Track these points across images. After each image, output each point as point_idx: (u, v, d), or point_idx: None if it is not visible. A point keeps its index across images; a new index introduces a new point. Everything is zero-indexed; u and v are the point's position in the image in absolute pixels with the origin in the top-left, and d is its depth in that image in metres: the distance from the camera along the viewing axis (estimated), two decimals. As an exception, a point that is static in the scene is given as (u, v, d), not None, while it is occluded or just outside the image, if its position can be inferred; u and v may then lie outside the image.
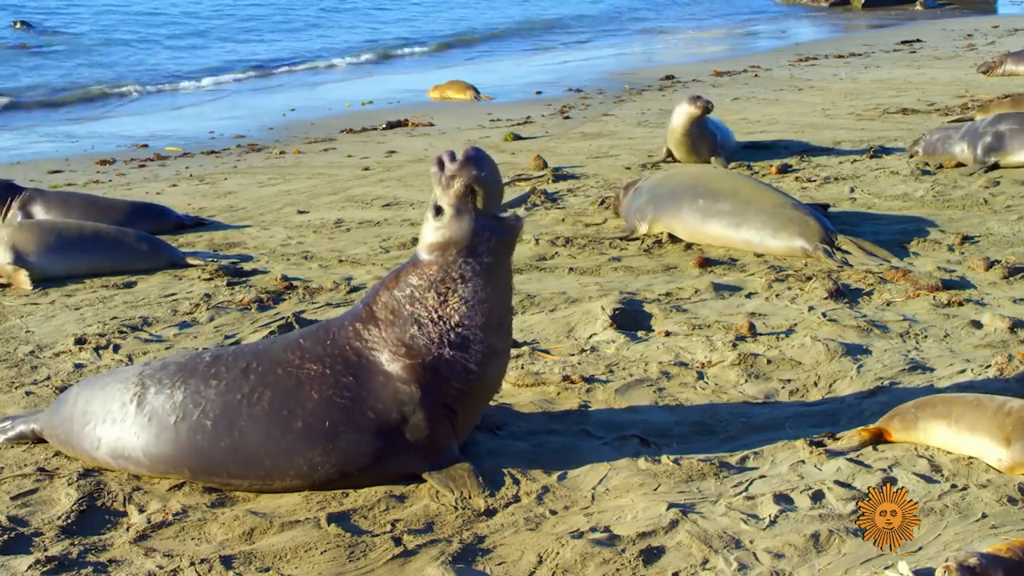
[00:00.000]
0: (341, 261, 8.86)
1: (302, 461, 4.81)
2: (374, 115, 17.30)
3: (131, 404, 4.99)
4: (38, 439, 5.44)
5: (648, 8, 37.04)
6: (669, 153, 12.14)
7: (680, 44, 28.63)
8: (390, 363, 4.82)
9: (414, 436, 4.83)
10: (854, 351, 6.32)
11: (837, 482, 4.74)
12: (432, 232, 4.81)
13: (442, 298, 4.80)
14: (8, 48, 24.85)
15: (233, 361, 4.96)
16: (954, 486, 4.68)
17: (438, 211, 4.79)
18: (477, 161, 4.74)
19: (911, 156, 11.55)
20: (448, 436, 4.92)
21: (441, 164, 4.76)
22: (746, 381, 6.02)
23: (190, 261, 8.86)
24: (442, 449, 4.90)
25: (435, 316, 4.80)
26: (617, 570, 4.16)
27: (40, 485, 5.03)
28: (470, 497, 4.76)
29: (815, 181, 10.87)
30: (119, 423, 5.00)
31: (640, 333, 6.79)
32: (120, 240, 8.90)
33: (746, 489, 4.75)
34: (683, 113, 11.82)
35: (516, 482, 4.90)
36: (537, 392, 5.88)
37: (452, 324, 4.80)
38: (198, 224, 10.21)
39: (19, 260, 8.54)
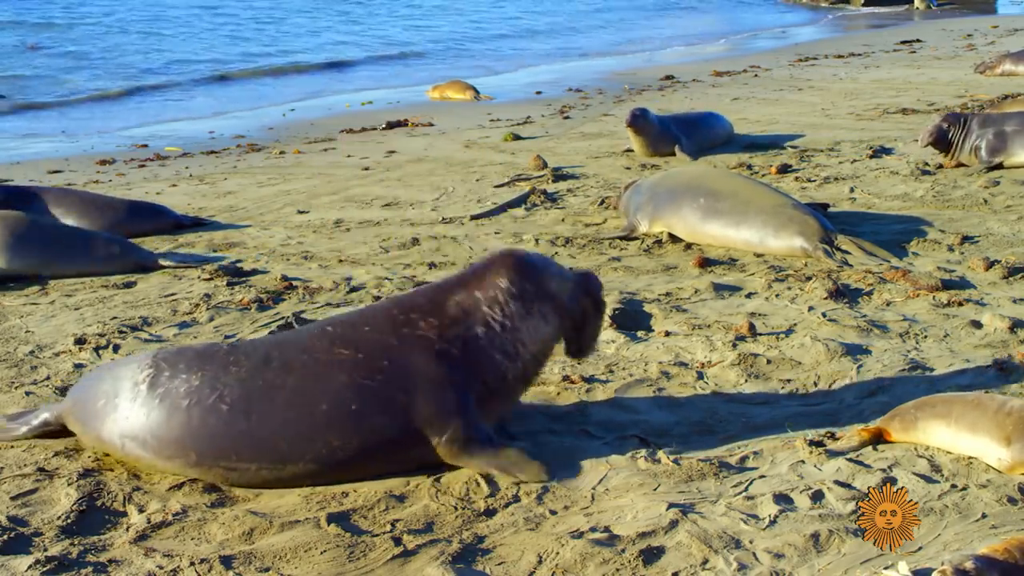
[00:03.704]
0: (341, 261, 8.86)
1: (321, 444, 4.84)
2: (374, 115, 17.29)
3: (143, 385, 5.00)
4: (60, 428, 5.41)
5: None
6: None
7: (676, 40, 28.62)
8: (435, 352, 4.93)
9: (441, 424, 4.88)
10: (854, 351, 6.32)
11: (837, 482, 4.74)
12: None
13: (523, 315, 5.06)
14: (18, 50, 24.83)
15: (253, 351, 5.05)
16: (954, 486, 4.68)
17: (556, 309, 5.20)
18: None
19: (925, 145, 11.28)
20: (476, 425, 4.96)
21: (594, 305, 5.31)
22: (746, 381, 6.02)
23: (162, 263, 8.81)
24: (473, 440, 4.92)
25: (507, 324, 5.01)
26: (617, 570, 4.16)
27: (40, 485, 5.03)
28: (532, 478, 4.83)
29: (815, 181, 10.88)
30: (130, 402, 5.01)
31: (640, 333, 6.79)
32: (86, 242, 8.77)
33: (746, 489, 4.75)
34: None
35: (516, 482, 4.90)
36: (537, 392, 5.88)
37: (516, 336, 5.02)
38: (197, 224, 10.20)
39: None
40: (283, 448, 4.85)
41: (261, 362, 4.95)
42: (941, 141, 11.16)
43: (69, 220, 9.54)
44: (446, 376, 4.92)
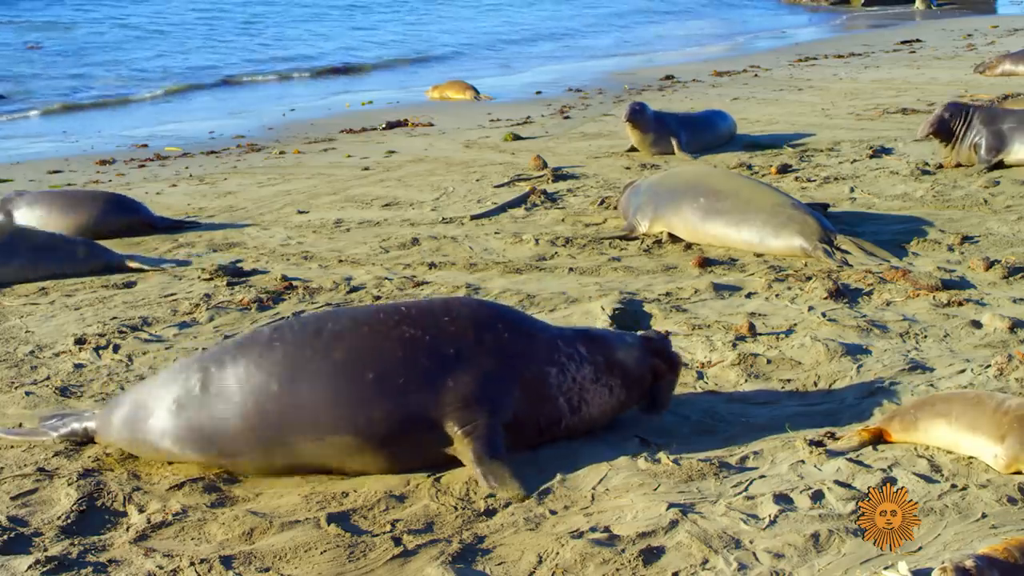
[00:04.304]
0: (341, 261, 8.86)
1: (362, 417, 4.89)
2: (374, 115, 17.29)
3: (196, 386, 5.04)
4: (88, 438, 5.41)
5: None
6: (634, 147, 12.91)
7: (680, 43, 28.63)
8: (503, 359, 5.06)
9: (470, 414, 4.94)
10: (854, 351, 6.32)
11: (837, 482, 4.74)
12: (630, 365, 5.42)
13: (592, 379, 5.26)
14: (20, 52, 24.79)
15: (300, 327, 5.12)
16: (954, 486, 4.68)
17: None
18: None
19: (925, 135, 11.14)
20: (498, 431, 5.01)
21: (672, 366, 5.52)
22: (746, 381, 6.03)
23: (130, 265, 8.78)
24: (485, 441, 4.96)
25: (576, 379, 5.23)
26: (617, 570, 4.16)
27: (40, 485, 5.03)
28: (506, 494, 4.79)
29: (815, 181, 10.88)
30: (187, 407, 5.03)
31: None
32: (46, 245, 8.73)
33: (746, 489, 4.75)
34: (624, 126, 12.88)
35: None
36: (537, 392, 5.87)
37: (582, 393, 5.24)
38: (175, 227, 10.08)
39: None
40: (329, 415, 4.89)
41: (311, 334, 5.03)
42: (942, 131, 11.06)
43: (37, 217, 9.54)
44: (500, 379, 5.03)
